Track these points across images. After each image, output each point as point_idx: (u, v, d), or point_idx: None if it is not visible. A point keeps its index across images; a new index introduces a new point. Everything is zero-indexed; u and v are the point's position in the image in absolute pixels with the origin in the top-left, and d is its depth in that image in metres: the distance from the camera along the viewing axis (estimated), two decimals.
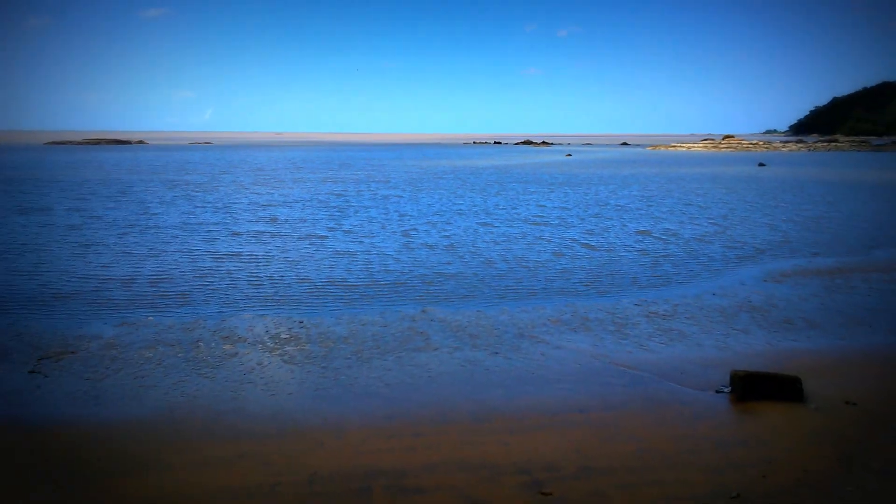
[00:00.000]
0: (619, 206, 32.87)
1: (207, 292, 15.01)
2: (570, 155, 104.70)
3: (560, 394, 9.44)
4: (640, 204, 33.74)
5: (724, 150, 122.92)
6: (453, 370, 10.41)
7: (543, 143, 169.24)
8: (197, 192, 38.24)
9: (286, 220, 26.45)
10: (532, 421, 8.49)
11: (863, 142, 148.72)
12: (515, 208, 31.40)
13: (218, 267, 17.57)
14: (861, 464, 6.97)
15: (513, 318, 13.22)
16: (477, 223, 26.17)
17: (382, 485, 6.80)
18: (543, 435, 8.05)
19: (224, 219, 26.78)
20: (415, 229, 24.42)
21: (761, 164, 75.41)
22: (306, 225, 25.31)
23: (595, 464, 7.18)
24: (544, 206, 32.68)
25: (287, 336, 11.98)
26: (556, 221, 26.90)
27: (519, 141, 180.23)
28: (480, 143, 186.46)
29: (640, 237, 23.07)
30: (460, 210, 30.53)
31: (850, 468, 6.90)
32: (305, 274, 16.86)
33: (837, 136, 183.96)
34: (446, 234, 23.41)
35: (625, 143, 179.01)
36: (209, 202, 32.86)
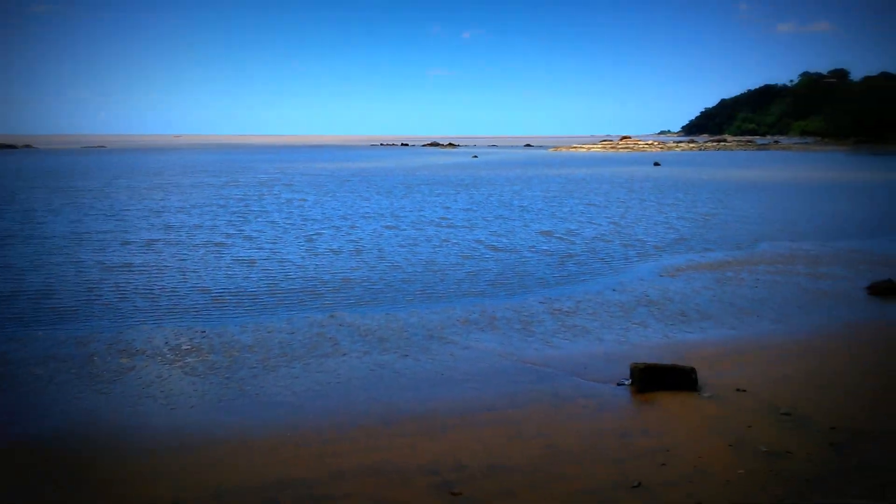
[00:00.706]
0: (522, 206, 33.55)
1: (99, 306, 14.22)
2: (476, 156, 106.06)
3: (469, 393, 9.52)
4: (543, 205, 34.57)
5: (621, 150, 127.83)
6: (363, 375, 10.31)
7: (450, 144, 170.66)
8: (86, 198, 36.22)
9: (182, 227, 25.43)
10: (442, 422, 8.51)
11: (748, 141, 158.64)
12: (422, 211, 31.49)
13: (108, 278, 16.67)
14: (750, 448, 7.38)
15: (422, 320, 13.23)
16: (383, 226, 26.05)
17: (290, 496, 6.63)
18: (453, 435, 8.09)
19: (115, 227, 25.47)
20: (319, 234, 24.04)
21: (656, 164, 78.83)
22: (204, 231, 24.42)
23: (503, 462, 7.27)
24: (450, 207, 32.93)
25: (188, 347, 11.52)
26: (463, 223, 27.16)
27: (426, 143, 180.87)
28: (387, 144, 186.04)
29: (543, 237, 23.62)
30: (366, 213, 30.32)
31: (740, 452, 7.29)
32: (204, 283, 16.26)
33: (726, 136, 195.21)
34: (352, 238, 23.17)
35: (528, 145, 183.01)
36: (99, 209, 31.18)
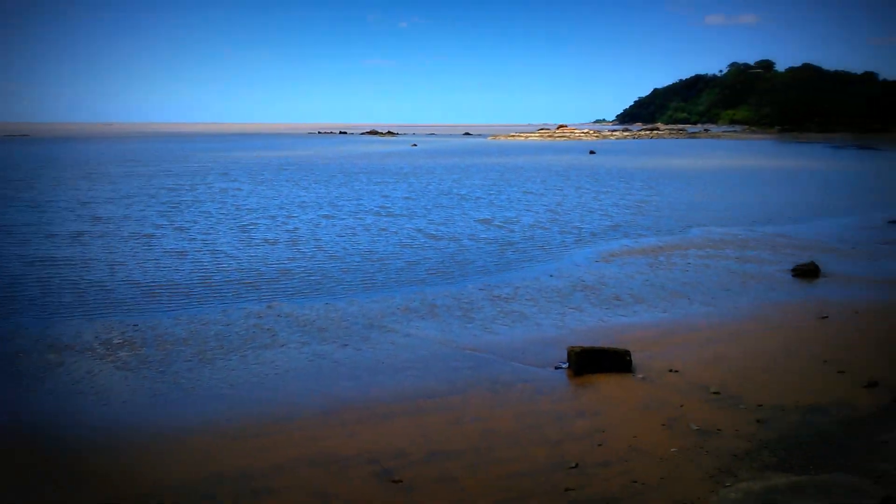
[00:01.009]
0: (462, 195, 33.67)
1: (23, 301, 13.62)
2: (415, 145, 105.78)
3: (409, 381, 9.53)
4: (482, 193, 34.77)
5: (558, 139, 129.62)
6: (301, 365, 10.20)
7: (389, 133, 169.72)
8: (7, 189, 34.54)
9: (110, 219, 24.51)
10: (382, 410, 8.51)
11: (680, 129, 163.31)
12: (360, 199, 31.25)
13: (31, 272, 15.96)
14: (683, 426, 7.63)
15: (362, 309, 13.16)
16: (321, 216, 25.74)
17: (229, 490, 6.53)
18: (393, 423, 8.09)
19: (39, 219, 24.39)
20: (255, 224, 23.57)
21: (592, 152, 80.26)
22: (133, 223, 23.59)
23: (443, 448, 7.32)
24: (389, 196, 32.78)
25: (120, 341, 11.16)
26: (402, 212, 27.08)
27: (365, 131, 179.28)
28: (325, 133, 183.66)
29: (482, 225, 23.78)
30: (303, 202, 29.89)
31: (672, 431, 7.53)
32: (135, 276, 15.74)
33: (658, 125, 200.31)
34: (289, 228, 22.81)
35: (467, 133, 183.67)
36: (23, 200, 29.79)
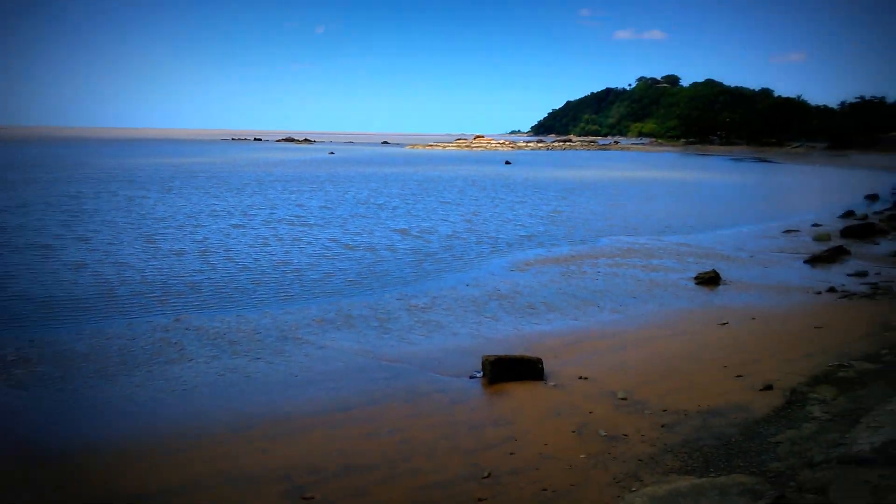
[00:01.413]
0: (379, 204, 33.58)
1: None
2: (332, 153, 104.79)
3: (324, 394, 9.40)
4: (400, 202, 34.79)
5: (475, 149, 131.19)
6: (211, 380, 9.89)
7: (306, 140, 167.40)
8: None
9: (3, 228, 23.04)
10: (296, 424, 8.34)
11: (592, 141, 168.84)
12: (274, 208, 30.64)
13: None
14: (592, 432, 7.84)
15: (275, 320, 12.89)
16: (231, 225, 25.05)
17: None
18: (307, 438, 7.95)
19: None
20: (162, 234, 22.68)
21: (507, 163, 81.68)
22: (29, 233, 22.24)
23: (357, 461, 7.25)
24: (304, 205, 32.30)
25: (14, 358, 10.50)
26: (318, 221, 26.74)
27: (281, 138, 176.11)
28: (240, 139, 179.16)
29: (400, 235, 23.77)
30: (214, 211, 29.02)
31: (582, 437, 7.72)
32: (31, 289, 14.85)
33: (571, 137, 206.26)
34: (198, 238, 22.03)
35: (385, 142, 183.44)
36: None
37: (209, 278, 16.30)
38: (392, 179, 50.88)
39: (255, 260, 18.61)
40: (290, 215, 28.29)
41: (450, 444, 7.67)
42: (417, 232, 24.54)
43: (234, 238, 22.16)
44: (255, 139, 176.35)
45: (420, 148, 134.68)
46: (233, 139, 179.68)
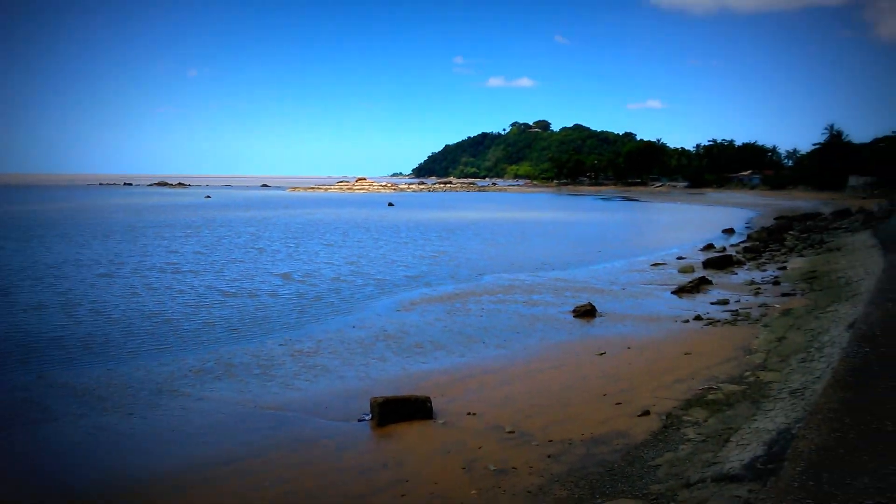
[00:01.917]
0: (260, 249, 32.73)
1: None
2: (209, 196, 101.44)
3: (204, 448, 8.92)
4: (281, 246, 34.08)
5: (357, 191, 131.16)
6: (79, 440, 9.18)
7: (180, 184, 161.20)
8: None
9: None
10: (173, 483, 7.85)
11: (471, 183, 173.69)
12: (146, 256, 29.10)
13: None
14: (481, 468, 7.88)
15: (149, 373, 12.15)
16: (97, 275, 23.52)
17: None
18: (185, 497, 7.49)
19: None
20: (18, 286, 20.92)
21: (391, 204, 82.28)
22: None
23: None
24: (178, 251, 30.92)
25: None
26: (194, 268, 25.63)
27: (153, 182, 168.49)
28: (108, 184, 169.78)
29: (282, 279, 23.21)
30: (78, 260, 27.17)
31: (472, 473, 7.74)
32: None
33: (451, 178, 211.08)
34: (60, 290, 20.41)
35: (265, 185, 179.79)
36: None
37: (73, 332, 15.16)
38: (273, 223, 49.80)
39: (125, 311, 17.50)
40: (162, 262, 26.93)
41: (339, 491, 7.46)
42: (300, 276, 24.05)
43: (100, 288, 20.78)
44: (125, 184, 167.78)
45: (301, 191, 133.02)
46: (101, 184, 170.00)
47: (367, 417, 9.81)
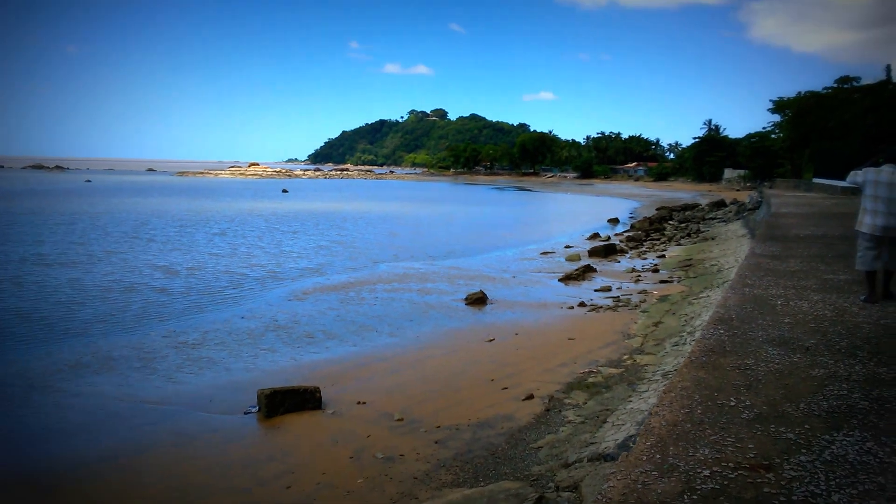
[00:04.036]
0: (141, 238, 31.30)
1: None
2: (89, 181, 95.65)
3: (81, 446, 8.52)
4: (167, 236, 32.72)
5: (250, 176, 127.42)
6: None
7: (57, 167, 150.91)
8: None
9: None
10: (48, 483, 7.50)
11: (368, 171, 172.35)
12: (5, 245, 27.08)
13: None
14: (369, 456, 7.97)
15: (20, 369, 11.46)
16: None
17: None
18: (61, 499, 7.16)
19: None
20: None
21: (285, 191, 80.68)
22: None
23: None
24: (47, 241, 28.95)
25: None
26: (66, 261, 24.03)
27: (27, 165, 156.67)
28: None
29: (165, 271, 22.32)
30: None
31: (359, 462, 7.83)
32: None
33: (349, 165, 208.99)
34: None
35: (151, 169, 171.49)
36: None
37: None
38: (160, 213, 47.64)
39: None
40: (28, 254, 25.08)
41: (224, 485, 7.36)
42: (188, 266, 23.21)
43: None
44: None
45: (190, 175, 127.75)
46: None
47: (253, 410, 9.68)
